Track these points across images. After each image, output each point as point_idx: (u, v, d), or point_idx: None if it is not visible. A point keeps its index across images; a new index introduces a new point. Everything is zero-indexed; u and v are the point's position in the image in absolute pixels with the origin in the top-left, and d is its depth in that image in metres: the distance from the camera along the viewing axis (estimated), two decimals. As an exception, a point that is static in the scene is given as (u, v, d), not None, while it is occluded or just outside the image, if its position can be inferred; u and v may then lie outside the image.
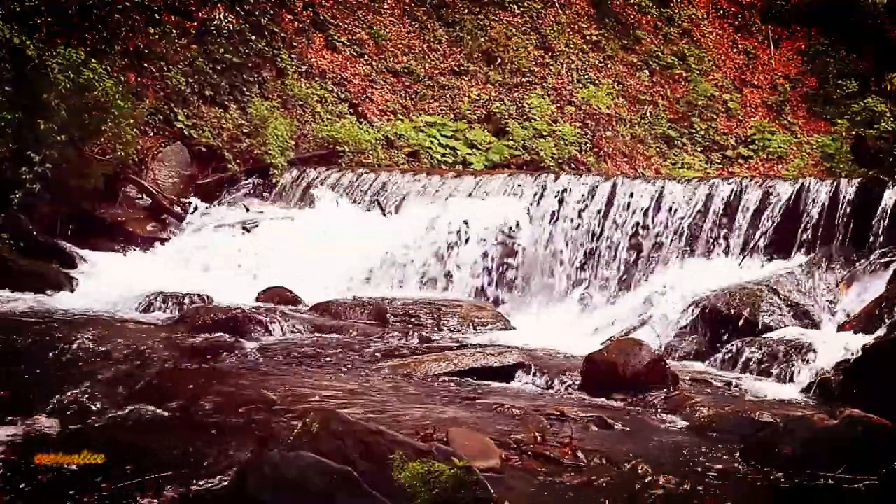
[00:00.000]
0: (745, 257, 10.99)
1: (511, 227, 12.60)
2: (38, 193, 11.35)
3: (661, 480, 5.10)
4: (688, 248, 11.57)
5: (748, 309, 9.54)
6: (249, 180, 15.38)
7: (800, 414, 6.38)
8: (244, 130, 15.30)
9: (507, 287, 12.38)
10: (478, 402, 6.87)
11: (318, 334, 9.32)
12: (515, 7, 20.89)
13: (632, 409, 7.10)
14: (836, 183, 11.01)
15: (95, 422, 5.64)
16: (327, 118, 17.05)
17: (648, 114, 19.70)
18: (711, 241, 11.46)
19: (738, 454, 5.76)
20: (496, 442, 5.47)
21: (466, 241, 12.53)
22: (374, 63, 18.88)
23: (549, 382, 7.89)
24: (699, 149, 19.39)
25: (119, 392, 6.43)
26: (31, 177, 10.94)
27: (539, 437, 5.72)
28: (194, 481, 4.60)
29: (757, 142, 19.37)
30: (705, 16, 21.94)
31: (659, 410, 7.03)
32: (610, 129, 18.87)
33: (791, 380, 8.18)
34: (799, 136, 19.45)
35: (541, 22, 20.88)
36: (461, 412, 6.46)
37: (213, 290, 10.70)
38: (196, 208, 14.38)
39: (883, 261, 10.05)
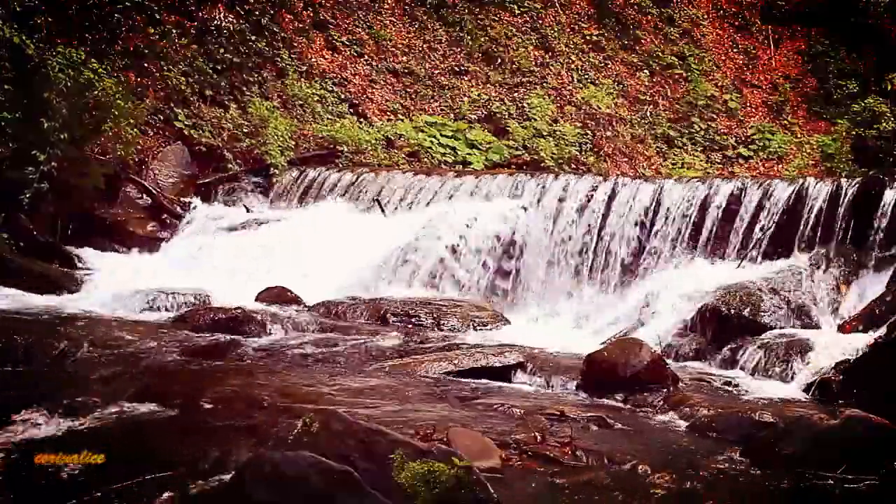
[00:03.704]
0: (745, 257, 10.99)
1: (511, 227, 12.60)
2: (41, 193, 11.37)
3: (660, 480, 5.10)
4: (688, 248, 11.56)
5: (748, 309, 9.54)
6: (249, 180, 15.38)
7: (800, 414, 6.39)
8: (244, 130, 15.30)
9: (507, 287, 12.38)
10: (478, 402, 6.87)
11: (318, 334, 9.32)
12: (515, 7, 20.88)
13: (632, 409, 7.10)
14: (836, 183, 11.00)
15: (95, 422, 5.64)
16: (327, 118, 17.05)
17: (648, 114, 19.69)
18: (711, 240, 11.46)
19: (738, 454, 5.76)
20: (496, 442, 5.47)
21: (466, 241, 12.52)
22: (374, 63, 18.88)
23: (549, 382, 7.89)
24: (699, 149, 19.37)
25: (119, 392, 6.42)
26: (37, 176, 10.95)
27: (539, 437, 5.72)
28: (194, 481, 4.59)
29: (757, 142, 19.35)
30: (705, 16, 21.93)
31: (659, 410, 7.03)
32: (610, 129, 18.86)
33: (791, 380, 8.18)
34: (799, 136, 19.42)
35: (541, 22, 20.87)
36: (461, 412, 6.46)
37: (213, 290, 10.70)
38: (196, 208, 14.38)
39: (883, 261, 10.06)
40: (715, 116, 19.93)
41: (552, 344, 9.34)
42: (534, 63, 20.11)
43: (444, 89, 19.14)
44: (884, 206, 10.31)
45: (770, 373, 8.40)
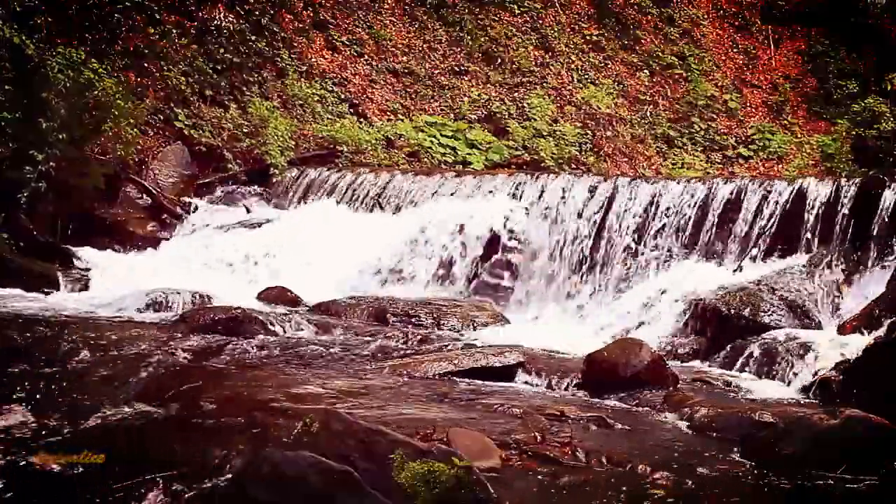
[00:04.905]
0: (745, 257, 10.99)
1: (511, 228, 12.60)
2: (40, 193, 11.36)
3: (660, 480, 5.10)
4: (688, 248, 11.56)
5: (748, 309, 9.54)
6: (249, 180, 15.39)
7: (800, 414, 6.38)
8: (244, 130, 15.30)
9: (507, 286, 12.37)
10: (478, 402, 6.87)
11: (318, 334, 9.32)
12: (515, 7, 20.88)
13: (632, 409, 7.09)
14: (836, 183, 11.00)
15: (95, 422, 5.63)
16: (327, 118, 17.05)
17: (648, 114, 19.69)
18: (711, 240, 11.46)
19: (738, 454, 5.76)
20: (496, 442, 5.47)
21: (466, 240, 12.53)
22: (374, 63, 18.88)
23: (549, 382, 7.88)
24: (699, 149, 19.38)
25: (119, 392, 6.42)
26: (35, 176, 10.96)
27: (539, 437, 5.72)
28: (194, 481, 4.59)
29: (757, 142, 19.35)
30: (705, 16, 21.93)
31: (659, 410, 7.03)
32: (610, 129, 18.86)
33: (791, 380, 8.18)
34: (799, 136, 19.42)
35: (541, 22, 20.87)
36: (461, 412, 6.45)
37: (213, 290, 10.70)
38: (196, 208, 14.38)
39: (883, 261, 10.06)
40: (715, 116, 19.94)
41: (552, 344, 9.34)
42: (534, 63, 20.11)
43: (444, 89, 19.14)
44: (884, 206, 10.31)
45: (770, 373, 8.40)
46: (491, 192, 13.19)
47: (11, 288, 10.29)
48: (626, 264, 11.90)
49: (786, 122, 20.10)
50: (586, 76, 20.27)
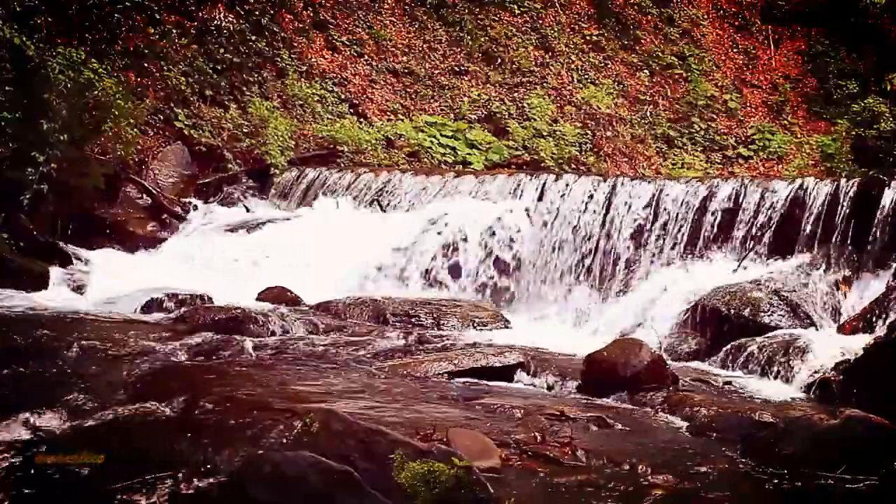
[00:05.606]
0: (744, 257, 10.99)
1: (511, 228, 12.61)
2: (42, 194, 11.37)
3: (660, 480, 5.10)
4: (688, 248, 11.56)
5: (748, 309, 9.54)
6: (249, 180, 15.39)
7: (800, 414, 6.39)
8: (244, 130, 15.31)
9: (507, 286, 12.38)
10: (478, 402, 6.87)
11: (318, 334, 9.32)
12: (515, 7, 20.89)
13: (632, 409, 7.10)
14: (836, 183, 11.00)
15: (95, 422, 5.63)
16: (327, 118, 17.06)
17: (648, 114, 19.69)
18: (711, 241, 11.46)
19: (738, 454, 5.76)
20: (496, 442, 5.47)
21: (466, 241, 12.53)
22: (374, 63, 18.89)
23: (549, 382, 7.89)
24: (699, 149, 19.38)
25: (119, 392, 6.43)
26: (37, 177, 10.96)
27: (539, 437, 5.73)
28: (194, 481, 4.59)
29: (757, 142, 19.36)
30: (705, 16, 21.93)
31: (659, 410, 7.03)
32: (610, 129, 18.87)
33: (791, 380, 8.18)
34: (799, 136, 19.42)
35: (541, 22, 20.88)
36: (461, 412, 6.46)
37: (213, 290, 10.70)
38: (196, 208, 14.38)
39: (883, 261, 10.06)
40: (715, 116, 19.94)
41: (552, 344, 9.34)
42: (534, 63, 20.11)
43: (444, 89, 19.14)
44: (883, 206, 10.30)
45: (770, 373, 8.40)
46: (491, 192, 13.20)
47: (11, 288, 10.29)
48: (626, 264, 11.90)
49: (786, 122, 20.10)
50: (586, 76, 20.28)
